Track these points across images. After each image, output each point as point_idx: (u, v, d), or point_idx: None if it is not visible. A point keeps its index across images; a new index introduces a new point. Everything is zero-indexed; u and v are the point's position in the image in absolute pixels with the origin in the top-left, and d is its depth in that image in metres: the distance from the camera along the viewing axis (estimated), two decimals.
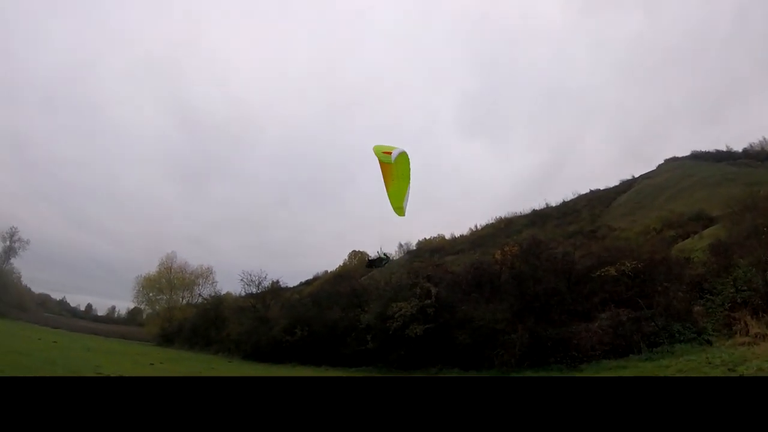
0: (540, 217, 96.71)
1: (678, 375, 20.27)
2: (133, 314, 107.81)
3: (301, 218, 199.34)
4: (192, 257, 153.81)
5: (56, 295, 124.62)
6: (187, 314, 74.99)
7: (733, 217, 37.71)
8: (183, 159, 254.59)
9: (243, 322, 56.62)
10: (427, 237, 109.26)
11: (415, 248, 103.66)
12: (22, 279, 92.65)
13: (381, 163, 12.72)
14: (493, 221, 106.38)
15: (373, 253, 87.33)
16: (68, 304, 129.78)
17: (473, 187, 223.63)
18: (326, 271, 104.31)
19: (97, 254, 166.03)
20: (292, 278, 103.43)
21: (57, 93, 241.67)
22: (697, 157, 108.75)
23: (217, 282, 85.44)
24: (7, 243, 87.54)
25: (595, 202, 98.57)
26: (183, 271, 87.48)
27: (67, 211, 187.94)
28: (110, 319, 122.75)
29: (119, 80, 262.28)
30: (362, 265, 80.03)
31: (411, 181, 13.61)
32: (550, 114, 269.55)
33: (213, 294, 79.92)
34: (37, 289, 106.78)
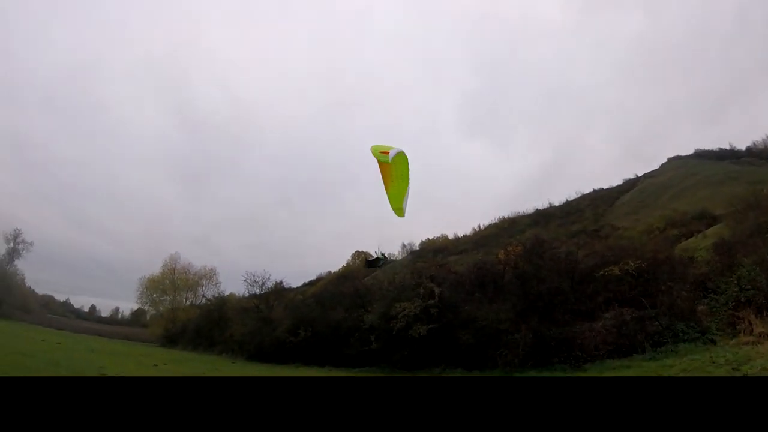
0: (543, 217, 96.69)
1: (682, 374, 20.21)
2: (137, 315, 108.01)
3: (303, 218, 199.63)
4: (195, 258, 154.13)
5: (60, 297, 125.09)
6: (190, 315, 75.14)
7: (736, 215, 37.66)
8: (184, 159, 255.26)
9: (246, 322, 56.63)
10: (430, 237, 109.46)
11: (418, 248, 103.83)
12: (25, 280, 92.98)
13: (380, 163, 12.70)
14: (496, 221, 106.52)
15: (375, 253, 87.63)
16: (72, 305, 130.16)
17: (476, 187, 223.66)
18: (329, 272, 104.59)
19: (100, 255, 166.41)
20: (295, 278, 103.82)
21: (58, 93, 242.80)
22: (701, 155, 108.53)
23: (220, 283, 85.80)
24: (11, 245, 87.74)
25: (599, 201, 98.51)
26: (186, 272, 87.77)
27: (70, 212, 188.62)
28: (114, 320, 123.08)
29: (120, 80, 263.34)
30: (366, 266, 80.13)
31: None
32: (552, 113, 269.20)
33: (216, 295, 79.97)
34: (40, 290, 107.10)
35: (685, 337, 25.47)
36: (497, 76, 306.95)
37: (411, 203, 13.79)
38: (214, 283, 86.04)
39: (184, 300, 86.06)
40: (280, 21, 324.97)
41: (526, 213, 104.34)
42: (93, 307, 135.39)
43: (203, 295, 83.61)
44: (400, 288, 40.37)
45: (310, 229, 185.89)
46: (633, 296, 29.66)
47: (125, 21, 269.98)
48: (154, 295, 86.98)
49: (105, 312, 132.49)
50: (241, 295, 69.97)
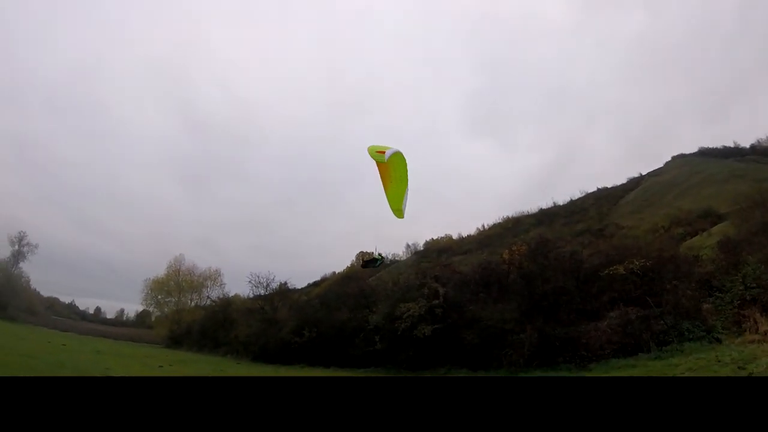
0: (547, 216, 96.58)
1: (688, 373, 20.16)
2: (142, 317, 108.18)
3: (307, 219, 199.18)
4: (199, 259, 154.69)
5: (65, 299, 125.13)
6: (195, 316, 75.16)
7: (741, 213, 37.55)
8: (187, 160, 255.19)
9: (251, 323, 56.83)
10: (435, 237, 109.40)
11: (422, 249, 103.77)
12: (30, 283, 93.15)
13: (378, 164, 12.69)
14: (500, 221, 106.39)
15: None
16: (77, 307, 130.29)
17: (480, 186, 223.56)
18: (334, 272, 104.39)
19: (105, 257, 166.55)
20: (299, 279, 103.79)
21: (60, 95, 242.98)
22: (705, 153, 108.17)
23: (225, 284, 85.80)
24: (16, 247, 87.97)
25: (603, 200, 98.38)
26: (191, 273, 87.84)
27: (74, 214, 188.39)
28: (119, 321, 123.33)
29: (122, 82, 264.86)
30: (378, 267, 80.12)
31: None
32: (555, 113, 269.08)
33: (221, 296, 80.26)
34: (45, 292, 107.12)
35: (691, 336, 25.41)
36: (499, 76, 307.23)
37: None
38: (218, 284, 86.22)
39: (189, 301, 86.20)
40: (282, 21, 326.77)
41: (530, 213, 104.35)
42: (98, 309, 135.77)
43: (208, 297, 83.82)
44: (404, 288, 40.40)
45: (314, 229, 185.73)
46: (638, 295, 29.60)
47: (126, 22, 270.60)
48: (159, 297, 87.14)
49: (110, 314, 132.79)
50: (245, 296, 70.17)
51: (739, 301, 25.83)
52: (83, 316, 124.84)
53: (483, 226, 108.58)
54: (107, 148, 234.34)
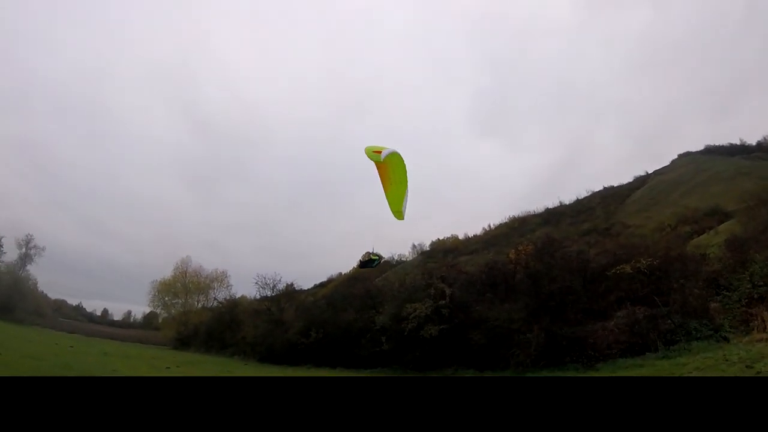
0: (554, 216, 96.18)
1: (695, 372, 20.12)
2: (149, 318, 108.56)
3: (313, 220, 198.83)
4: (206, 261, 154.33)
5: (72, 301, 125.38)
6: (202, 318, 75.44)
7: (748, 211, 37.45)
8: (193, 162, 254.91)
9: (258, 325, 56.98)
10: (441, 237, 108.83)
11: (428, 249, 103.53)
12: (38, 285, 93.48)
13: (377, 165, 12.68)
14: (506, 220, 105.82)
15: (386, 255, 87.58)
16: (84, 309, 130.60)
17: (486, 186, 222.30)
18: (340, 273, 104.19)
19: (112, 259, 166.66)
20: (306, 280, 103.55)
21: (67, 98, 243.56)
22: (711, 151, 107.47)
23: (231, 285, 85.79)
24: (23, 250, 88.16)
25: (609, 199, 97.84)
26: (198, 275, 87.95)
27: (80, 216, 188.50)
28: (126, 323, 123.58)
29: (129, 86, 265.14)
30: (377, 267, 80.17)
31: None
32: (561, 111, 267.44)
33: (228, 297, 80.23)
34: (53, 295, 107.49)
35: (698, 335, 25.33)
36: (506, 75, 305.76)
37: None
38: (225, 285, 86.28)
39: (196, 303, 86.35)
40: (286, 22, 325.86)
41: (536, 212, 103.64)
42: (105, 311, 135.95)
43: (215, 298, 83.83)
44: (411, 289, 40.47)
45: (320, 230, 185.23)
46: (645, 294, 29.55)
47: (131, 26, 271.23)
48: (166, 299, 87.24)
49: (117, 315, 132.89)
50: (252, 297, 70.28)
51: (746, 300, 25.75)
52: (90, 318, 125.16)
53: (489, 225, 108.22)
54: (113, 150, 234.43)
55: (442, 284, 37.45)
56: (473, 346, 32.62)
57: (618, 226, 70.32)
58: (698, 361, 21.72)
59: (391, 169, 12.94)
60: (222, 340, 63.15)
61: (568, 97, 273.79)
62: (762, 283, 25.46)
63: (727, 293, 27.27)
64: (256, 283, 62.96)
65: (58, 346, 39.26)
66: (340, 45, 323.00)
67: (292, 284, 65.58)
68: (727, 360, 20.47)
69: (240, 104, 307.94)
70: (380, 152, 12.11)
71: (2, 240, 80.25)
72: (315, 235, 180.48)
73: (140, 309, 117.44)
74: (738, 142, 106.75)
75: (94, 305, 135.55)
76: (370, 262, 16.33)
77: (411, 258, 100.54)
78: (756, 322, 23.94)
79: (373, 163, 12.41)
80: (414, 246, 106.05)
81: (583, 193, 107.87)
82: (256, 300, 67.15)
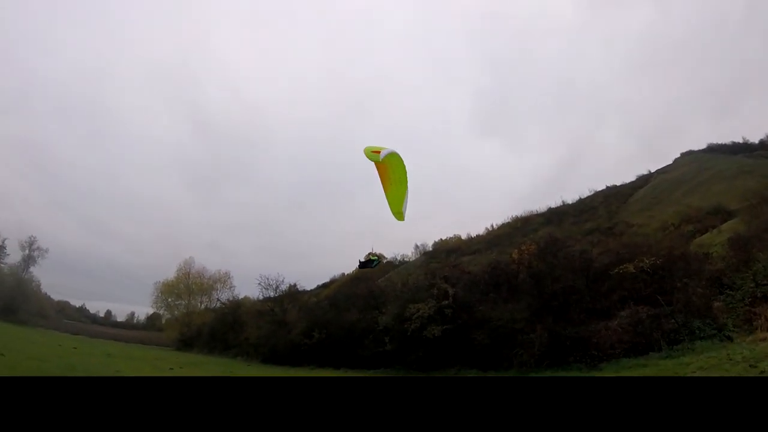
0: (556, 215, 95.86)
1: (699, 372, 20.09)
2: (152, 320, 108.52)
3: (316, 220, 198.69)
4: (209, 262, 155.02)
5: (76, 302, 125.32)
6: (205, 319, 75.66)
7: (751, 210, 37.35)
8: (196, 163, 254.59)
9: (261, 325, 57.12)
10: (443, 237, 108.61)
11: (431, 249, 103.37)
12: (41, 287, 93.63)
13: (377, 166, 12.66)
14: (509, 220, 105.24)
15: (389, 255, 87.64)
16: (87, 310, 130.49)
17: (488, 186, 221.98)
18: (343, 274, 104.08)
19: (115, 261, 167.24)
20: (308, 281, 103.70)
21: (69, 99, 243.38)
22: (714, 149, 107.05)
23: (234, 286, 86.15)
24: (26, 252, 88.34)
25: (612, 198, 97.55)
26: (201, 276, 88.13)
27: (83, 218, 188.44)
28: (130, 324, 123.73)
29: (131, 86, 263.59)
30: (379, 267, 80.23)
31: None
32: (563, 110, 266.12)
33: (231, 298, 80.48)
34: (56, 296, 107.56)
35: (702, 335, 25.27)
36: (508, 75, 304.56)
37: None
38: (228, 286, 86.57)
39: (199, 304, 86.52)
40: (287, 22, 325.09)
41: (539, 212, 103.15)
42: (108, 312, 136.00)
43: (218, 299, 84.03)
44: (413, 289, 40.51)
45: (322, 230, 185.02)
46: (648, 294, 29.48)
47: (132, 26, 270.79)
48: (169, 300, 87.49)
49: (120, 317, 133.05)
50: (255, 298, 70.60)
51: (750, 299, 25.71)
52: (94, 319, 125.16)
53: (492, 225, 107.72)
54: (114, 150, 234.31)
55: (445, 284, 37.44)
56: (476, 346, 32.63)
57: (621, 225, 70.11)
58: (702, 361, 21.69)
59: (390, 170, 12.91)
60: (225, 341, 63.34)
61: (569, 97, 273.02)
62: (765, 282, 25.42)
63: (731, 292, 27.22)
64: (259, 283, 63.37)
65: (61, 347, 39.35)
66: (340, 45, 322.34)
67: (295, 285, 65.94)
68: (730, 359, 20.43)
69: (240, 104, 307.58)
70: (379, 152, 12.09)
71: (6, 242, 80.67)
72: (316, 236, 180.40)
73: (143, 310, 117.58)
74: (740, 141, 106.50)
75: (97, 306, 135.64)
76: (369, 262, 16.31)
77: (414, 258, 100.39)
78: (759, 321, 23.89)
79: (373, 164, 12.40)
80: (417, 246, 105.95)
81: (585, 193, 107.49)
82: (259, 301, 67.45)
